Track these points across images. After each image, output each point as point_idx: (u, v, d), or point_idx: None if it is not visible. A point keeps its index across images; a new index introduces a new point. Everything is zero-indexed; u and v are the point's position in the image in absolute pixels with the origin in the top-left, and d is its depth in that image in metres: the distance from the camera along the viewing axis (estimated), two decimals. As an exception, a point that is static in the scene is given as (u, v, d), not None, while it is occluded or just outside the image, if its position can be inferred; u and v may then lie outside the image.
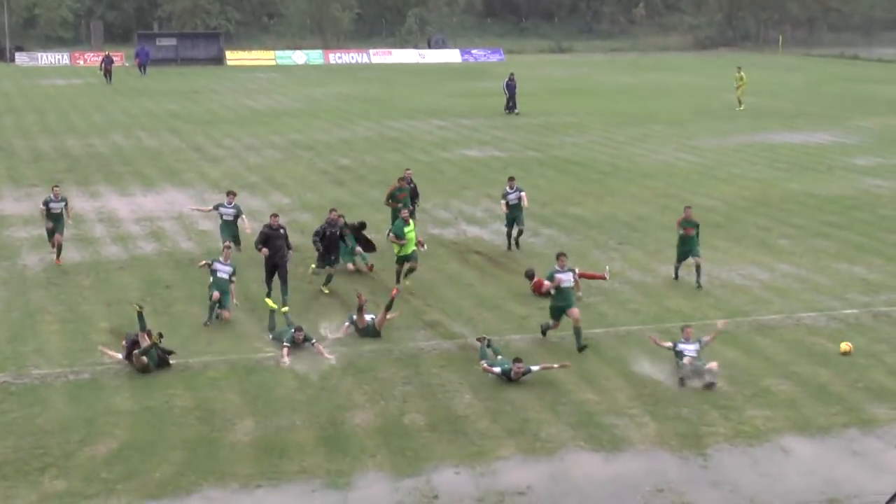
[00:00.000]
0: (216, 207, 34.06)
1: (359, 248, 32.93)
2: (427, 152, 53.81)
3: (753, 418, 22.85)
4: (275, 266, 29.61)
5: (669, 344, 25.25)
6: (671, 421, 22.74)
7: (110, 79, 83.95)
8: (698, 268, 31.41)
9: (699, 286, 31.21)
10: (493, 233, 37.68)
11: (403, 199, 35.26)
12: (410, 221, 31.29)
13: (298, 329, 26.20)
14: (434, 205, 41.91)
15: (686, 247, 31.51)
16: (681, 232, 31.61)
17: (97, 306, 29.57)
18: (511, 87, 66.47)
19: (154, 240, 36.79)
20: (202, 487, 19.87)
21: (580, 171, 49.15)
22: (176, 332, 27.64)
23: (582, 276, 29.13)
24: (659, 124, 62.56)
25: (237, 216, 33.39)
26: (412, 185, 36.84)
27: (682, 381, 24.39)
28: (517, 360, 24.45)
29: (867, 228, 38.64)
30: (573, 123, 63.33)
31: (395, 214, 33.83)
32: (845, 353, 26.21)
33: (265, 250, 29.58)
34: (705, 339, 25.48)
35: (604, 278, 31.45)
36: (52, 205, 33.99)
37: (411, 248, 30.89)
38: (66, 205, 34.40)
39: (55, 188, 34.95)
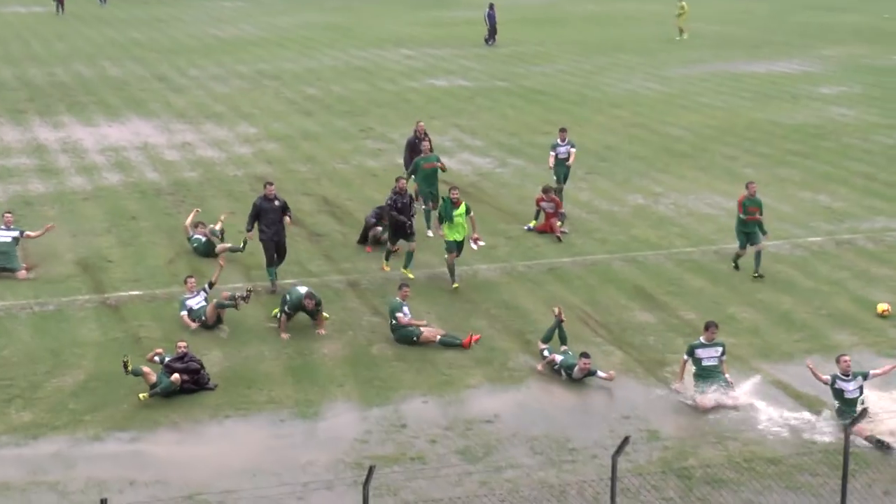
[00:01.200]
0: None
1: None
2: (394, 82, 53.47)
3: (718, 346, 22.98)
4: (277, 245, 25.73)
5: (828, 378, 19.74)
6: (637, 349, 22.86)
7: (62, 9, 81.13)
8: (758, 254, 26.87)
9: (757, 275, 26.71)
10: (461, 162, 37.57)
11: (428, 170, 30.03)
12: (462, 203, 26.09)
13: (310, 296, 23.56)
14: (402, 134, 41.66)
15: (749, 230, 26.89)
16: (742, 216, 26.92)
17: (62, 237, 29.32)
18: (492, 17, 65.55)
19: (119, 170, 36.48)
20: (170, 418, 19.88)
21: (548, 100, 48.98)
22: (142, 263, 27.53)
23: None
24: (626, 53, 62.30)
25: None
26: (427, 138, 31.38)
27: (880, 444, 19.04)
28: (584, 354, 21.36)
29: (832, 157, 38.74)
30: (541, 53, 62.99)
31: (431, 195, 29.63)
32: (883, 315, 24.54)
33: (250, 235, 25.85)
34: (874, 372, 20.29)
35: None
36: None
37: (461, 233, 25.98)
38: (19, 237, 27.26)
39: (6, 214, 27.92)
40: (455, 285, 25.87)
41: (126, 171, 36.32)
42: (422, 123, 32.85)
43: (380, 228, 28.42)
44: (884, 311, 24.54)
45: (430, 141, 30.98)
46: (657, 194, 34.01)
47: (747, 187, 27.11)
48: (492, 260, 27.79)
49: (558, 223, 29.61)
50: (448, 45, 65.59)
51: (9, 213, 27.96)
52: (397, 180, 27.51)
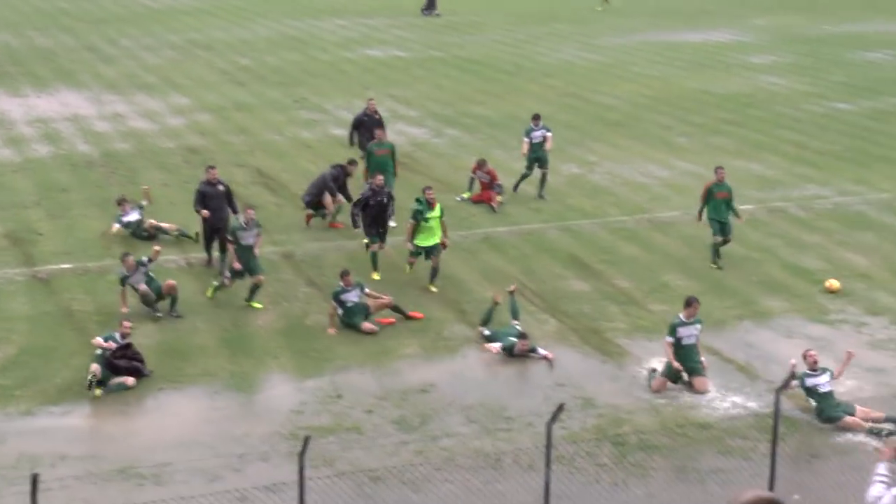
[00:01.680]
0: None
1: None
2: (329, 52, 53.19)
3: (652, 313, 23.20)
4: (214, 230, 25.04)
5: (796, 383, 18.80)
6: (572, 318, 22.99)
7: None
8: (725, 242, 25.86)
9: (716, 264, 25.63)
10: (397, 133, 37.42)
11: (382, 156, 28.33)
12: (437, 204, 24.46)
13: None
14: (336, 105, 41.53)
15: (721, 217, 25.64)
16: (709, 202, 25.78)
17: (-8, 211, 28.97)
18: None
19: (49, 142, 36.02)
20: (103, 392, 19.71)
21: (483, 70, 48.96)
22: (73, 235, 27.24)
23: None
24: (560, 23, 62.39)
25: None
26: (378, 117, 30.99)
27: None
28: (522, 335, 21.26)
29: (763, 126, 39.09)
30: (475, 23, 62.91)
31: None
32: (833, 292, 24.15)
33: (205, 212, 24.92)
34: (837, 370, 19.40)
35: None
36: None
37: (433, 238, 24.29)
38: None
39: None
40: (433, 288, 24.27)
41: (56, 143, 35.87)
42: (373, 101, 31.94)
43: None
44: (832, 287, 24.25)
45: (383, 126, 29.99)
46: (591, 164, 34.17)
47: (716, 172, 26.05)
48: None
49: (497, 196, 29.65)
50: (383, 15, 65.30)
51: None
52: (374, 175, 25.95)
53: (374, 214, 24.97)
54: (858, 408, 18.71)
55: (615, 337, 22.11)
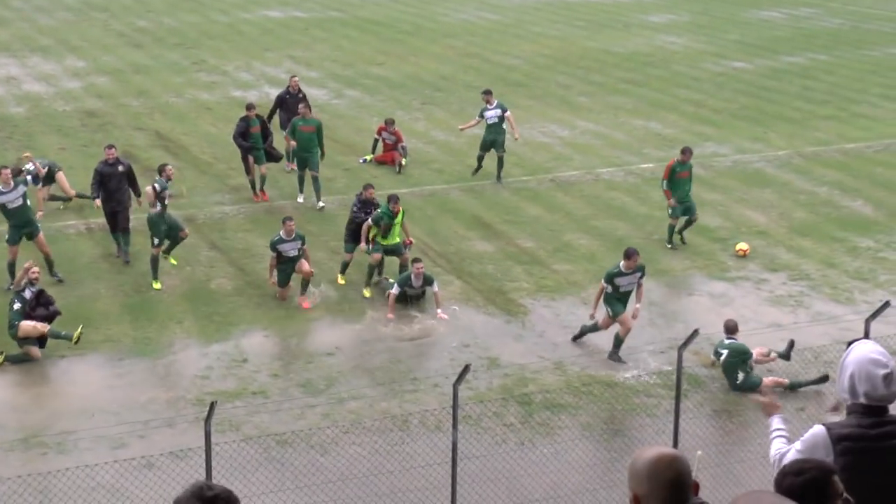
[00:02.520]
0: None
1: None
2: (226, 13, 52.48)
3: (556, 273, 23.33)
4: (113, 214, 23.44)
5: (714, 359, 19.21)
6: (476, 278, 23.03)
7: None
8: (690, 223, 24.96)
9: (681, 241, 24.97)
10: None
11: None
12: (400, 211, 22.47)
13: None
14: (236, 67, 41.02)
15: (684, 199, 24.59)
16: (670, 179, 24.51)
17: None
18: None
19: (-58, 107, 35.11)
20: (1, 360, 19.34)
21: (383, 30, 48.68)
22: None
23: None
24: (460, -17, 62.24)
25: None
26: (301, 95, 29.29)
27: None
28: (416, 260, 21.40)
29: (662, 85, 39.41)
30: (375, -18, 62.51)
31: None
32: (740, 254, 24.12)
33: (97, 203, 23.41)
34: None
35: None
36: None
37: (395, 238, 22.70)
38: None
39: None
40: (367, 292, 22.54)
41: (-51, 108, 34.98)
42: (296, 78, 30.08)
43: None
44: (742, 251, 24.29)
45: (307, 102, 28.19)
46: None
47: (682, 152, 24.63)
48: (330, 192, 27.57)
49: (401, 158, 29.53)
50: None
51: None
52: (366, 188, 23.31)
53: (353, 229, 22.87)
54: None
55: (519, 297, 22.19)
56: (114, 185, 23.23)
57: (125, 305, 21.59)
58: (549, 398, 18.31)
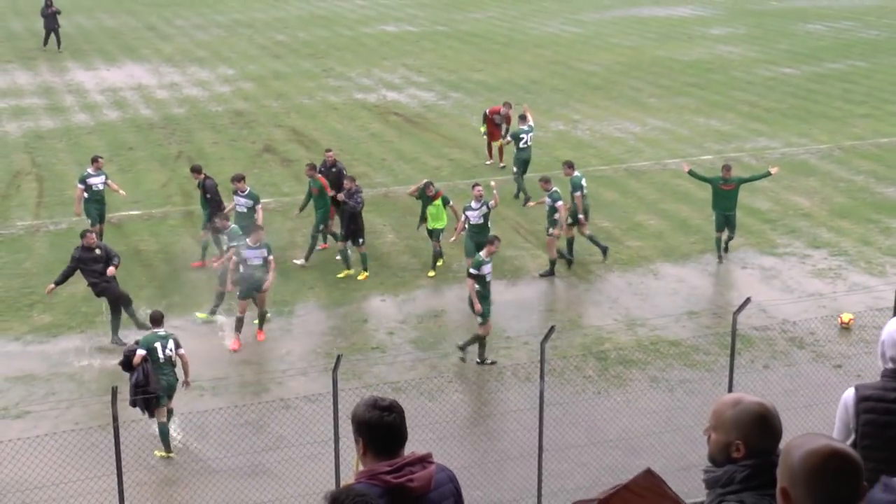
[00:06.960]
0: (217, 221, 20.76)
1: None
2: (351, 28, 52.64)
3: (629, 248, 23.12)
4: (107, 297, 18.96)
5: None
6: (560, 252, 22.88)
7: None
8: (730, 238, 22.40)
9: (725, 251, 22.48)
10: (409, 97, 37.21)
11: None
12: (440, 195, 21.60)
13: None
14: (358, 73, 41.20)
15: (727, 209, 21.86)
16: (714, 191, 22.03)
17: (70, 166, 28.83)
18: None
19: (117, 108, 35.78)
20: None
21: (481, 42, 48.46)
22: (140, 187, 27.14)
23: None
24: (546, 0, 61.68)
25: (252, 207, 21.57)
26: (334, 169, 23.09)
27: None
28: (495, 238, 18.60)
29: (721, 88, 38.71)
30: (474, 0, 62.21)
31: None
32: (846, 325, 19.15)
33: (49, 289, 18.99)
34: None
35: None
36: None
37: (440, 222, 21.63)
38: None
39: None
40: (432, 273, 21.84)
41: (123, 109, 35.65)
42: (331, 153, 23.79)
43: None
44: (847, 321, 19.24)
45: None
46: (575, 121, 33.91)
47: (723, 168, 22.17)
48: (436, 179, 27.52)
49: (504, 142, 27.88)
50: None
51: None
52: (353, 180, 21.75)
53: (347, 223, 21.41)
54: None
55: (597, 269, 22.05)
56: (94, 269, 18.71)
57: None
58: (622, 355, 18.18)
